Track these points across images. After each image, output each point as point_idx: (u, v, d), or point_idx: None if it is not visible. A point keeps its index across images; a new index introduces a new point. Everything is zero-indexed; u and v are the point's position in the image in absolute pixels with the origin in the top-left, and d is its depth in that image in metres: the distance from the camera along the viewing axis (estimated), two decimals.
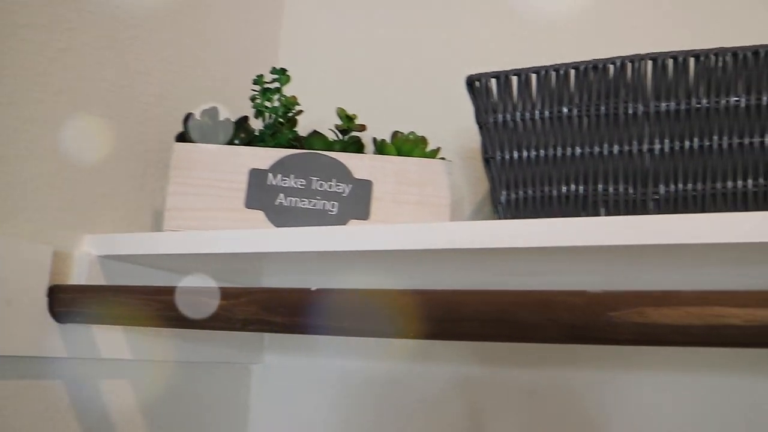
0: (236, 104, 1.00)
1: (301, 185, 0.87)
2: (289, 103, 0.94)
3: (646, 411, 0.94)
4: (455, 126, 1.04)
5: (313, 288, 0.73)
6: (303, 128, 0.95)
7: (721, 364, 0.92)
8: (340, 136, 0.96)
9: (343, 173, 0.87)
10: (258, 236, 0.80)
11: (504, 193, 0.81)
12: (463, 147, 1.06)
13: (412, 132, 0.92)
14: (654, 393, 0.94)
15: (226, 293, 0.75)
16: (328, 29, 1.22)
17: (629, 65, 0.77)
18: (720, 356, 0.92)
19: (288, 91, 0.95)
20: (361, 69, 1.18)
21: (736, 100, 0.74)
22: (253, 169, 0.87)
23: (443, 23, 1.15)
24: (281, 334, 0.94)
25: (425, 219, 0.86)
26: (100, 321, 0.84)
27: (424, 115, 1.09)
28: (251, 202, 0.87)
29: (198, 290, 0.76)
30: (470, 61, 0.97)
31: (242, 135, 0.90)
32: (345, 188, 0.87)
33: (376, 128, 0.96)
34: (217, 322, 0.76)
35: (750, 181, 0.73)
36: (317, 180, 0.87)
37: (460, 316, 0.66)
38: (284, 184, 0.87)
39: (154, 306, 0.79)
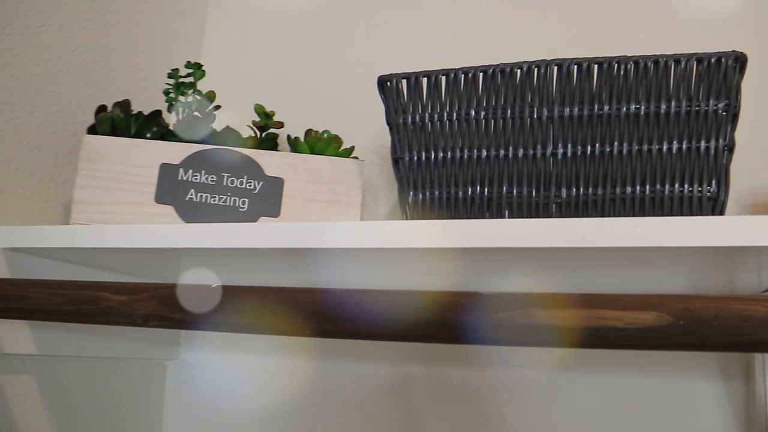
0: (156, 97, 0.98)
1: (212, 181, 0.87)
2: (207, 98, 0.93)
3: (575, 409, 0.95)
4: (375, 127, 1.04)
5: (214, 285, 0.73)
6: (226, 124, 0.95)
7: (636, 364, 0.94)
8: (258, 132, 0.96)
9: (254, 170, 0.87)
10: (165, 232, 0.79)
11: (411, 193, 0.81)
12: (383, 147, 1.06)
13: (327, 131, 0.92)
14: (587, 392, 0.95)
15: (126, 289, 0.75)
16: (253, 28, 1.22)
17: (535, 70, 0.78)
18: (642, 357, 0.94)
19: (209, 86, 0.94)
20: (285, 68, 1.18)
21: (637, 108, 0.75)
22: (164, 164, 0.87)
23: (365, 25, 1.15)
24: (193, 330, 0.93)
25: (336, 217, 0.86)
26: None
27: (346, 115, 1.09)
28: (161, 197, 0.86)
29: (99, 285, 0.75)
30: (389, 62, 0.98)
31: (154, 129, 0.89)
32: (256, 185, 0.87)
33: (300, 127, 0.96)
34: (119, 317, 0.75)
35: (648, 187, 0.75)
36: (228, 176, 0.87)
37: (352, 315, 0.66)
38: (195, 179, 0.86)
39: (54, 300, 0.78)
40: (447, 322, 0.64)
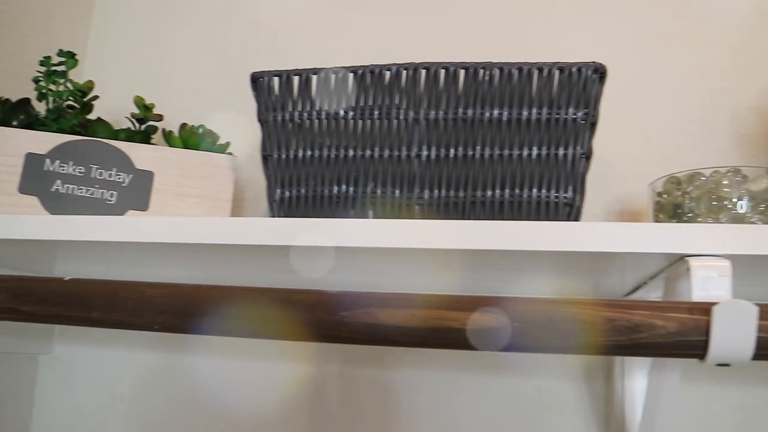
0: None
1: (79, 173, 0.85)
2: (84, 88, 0.92)
3: (489, 411, 0.96)
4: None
5: (66, 277, 0.71)
6: (106, 116, 0.93)
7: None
8: (138, 125, 0.94)
9: (124, 162, 0.86)
10: (27, 223, 0.78)
11: (278, 191, 0.81)
12: None
13: (202, 125, 0.91)
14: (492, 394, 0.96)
15: None
16: (141, 21, 1.20)
17: (404, 72, 0.79)
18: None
19: (92, 76, 0.93)
20: (171, 62, 1.17)
21: (499, 113, 0.77)
22: (30, 154, 0.85)
23: (249, 20, 1.15)
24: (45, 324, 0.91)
25: (206, 213, 0.86)
26: None
27: (231, 111, 1.08)
28: (25, 188, 0.84)
29: None
30: (270, 59, 0.98)
31: (21, 117, 0.87)
32: (125, 178, 0.85)
33: (185, 121, 0.94)
34: None
35: (507, 191, 0.76)
36: (97, 168, 0.85)
37: (200, 311, 0.66)
38: (62, 170, 0.85)
39: None
40: (292, 319, 0.64)
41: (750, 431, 0.91)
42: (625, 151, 0.99)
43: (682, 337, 0.59)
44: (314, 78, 0.81)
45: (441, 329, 0.61)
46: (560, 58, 0.77)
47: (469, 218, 0.76)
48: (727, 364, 0.61)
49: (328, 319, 0.63)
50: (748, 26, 1.02)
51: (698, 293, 0.62)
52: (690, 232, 0.64)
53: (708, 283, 0.62)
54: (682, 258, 0.65)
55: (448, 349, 0.62)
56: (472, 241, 0.68)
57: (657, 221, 0.82)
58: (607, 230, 0.66)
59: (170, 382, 1.04)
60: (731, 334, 0.58)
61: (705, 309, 0.58)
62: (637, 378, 0.86)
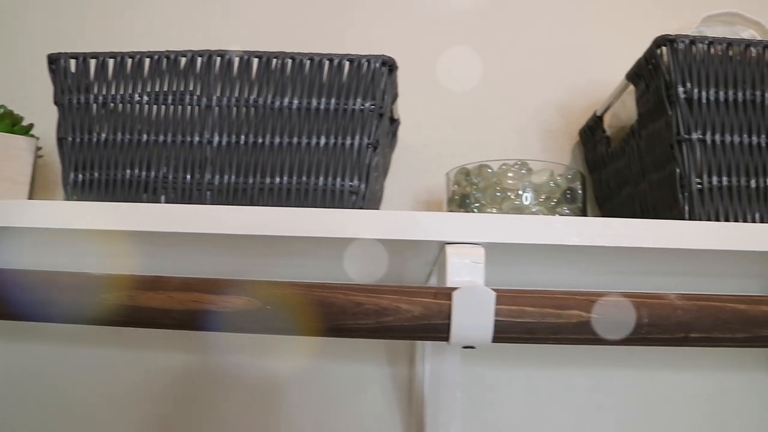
0: None
1: None
2: None
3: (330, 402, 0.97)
4: None
5: None
6: None
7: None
8: None
9: None
10: None
11: (72, 174, 0.81)
12: None
13: (3, 105, 0.89)
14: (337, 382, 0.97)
15: None
16: None
17: (198, 59, 0.79)
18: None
19: None
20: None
21: (290, 102, 0.78)
22: None
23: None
24: None
25: (2, 195, 0.84)
26: None
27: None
28: None
29: None
30: (77, 42, 0.96)
31: None
32: None
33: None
34: None
35: (295, 179, 0.78)
36: None
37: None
38: None
39: None
40: (54, 301, 0.64)
41: (535, 411, 0.95)
42: (437, 142, 1.02)
43: (427, 321, 0.62)
44: (111, 62, 0.81)
45: (198, 312, 0.62)
46: (373, 50, 0.79)
47: (258, 204, 0.77)
48: (472, 347, 0.64)
49: (89, 301, 0.63)
50: (551, 25, 1.07)
51: (452, 278, 0.65)
52: (448, 221, 0.67)
53: (462, 269, 0.65)
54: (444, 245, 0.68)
55: (206, 331, 0.63)
56: (259, 227, 0.69)
57: (450, 210, 0.86)
58: (376, 218, 0.68)
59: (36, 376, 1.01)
60: (471, 317, 0.61)
61: (447, 294, 0.61)
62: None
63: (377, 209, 0.94)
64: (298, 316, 0.62)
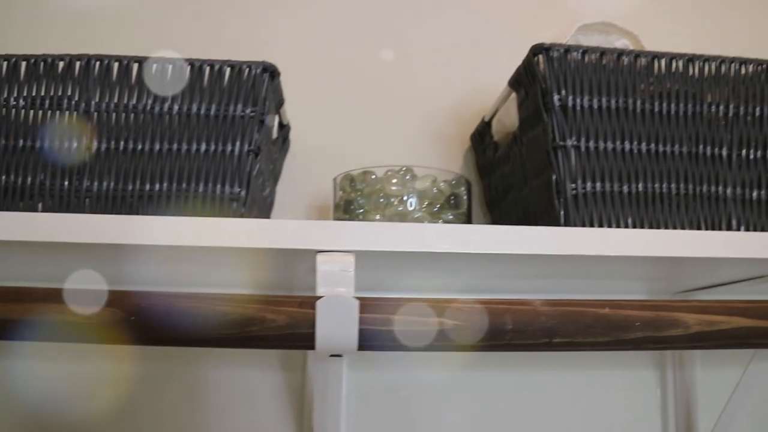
0: None
1: None
2: None
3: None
4: None
5: None
6: None
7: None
8: None
9: None
10: None
11: None
12: None
13: None
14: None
15: None
16: None
17: (77, 63, 0.78)
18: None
19: None
20: None
21: (170, 107, 0.78)
22: None
23: None
24: None
25: None
26: None
27: None
28: None
29: None
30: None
31: None
32: None
33: None
34: None
35: (175, 185, 0.77)
36: None
37: None
38: None
39: None
40: None
41: (428, 415, 0.97)
42: (330, 147, 1.03)
43: (291, 330, 0.62)
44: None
45: (60, 324, 0.62)
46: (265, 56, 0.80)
47: (137, 211, 0.76)
48: (339, 355, 0.65)
49: None
50: (442, 30, 1.08)
51: (321, 287, 0.65)
52: (317, 229, 0.67)
53: (331, 277, 0.65)
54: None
55: (70, 342, 0.62)
56: (137, 236, 0.69)
57: (336, 216, 0.86)
58: (246, 227, 0.68)
59: None
60: (335, 326, 0.62)
61: (311, 303, 0.62)
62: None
63: (267, 216, 0.94)
64: (164, 326, 0.62)
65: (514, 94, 0.87)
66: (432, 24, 1.10)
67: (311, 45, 1.07)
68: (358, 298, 0.62)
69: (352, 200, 0.84)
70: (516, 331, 0.64)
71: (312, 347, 0.62)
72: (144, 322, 0.61)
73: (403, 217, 0.82)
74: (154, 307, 0.62)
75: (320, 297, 0.62)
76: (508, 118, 0.90)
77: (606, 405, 1.00)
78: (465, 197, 0.86)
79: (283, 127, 0.95)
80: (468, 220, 0.86)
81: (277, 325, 0.62)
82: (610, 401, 1.01)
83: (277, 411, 0.96)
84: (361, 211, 0.84)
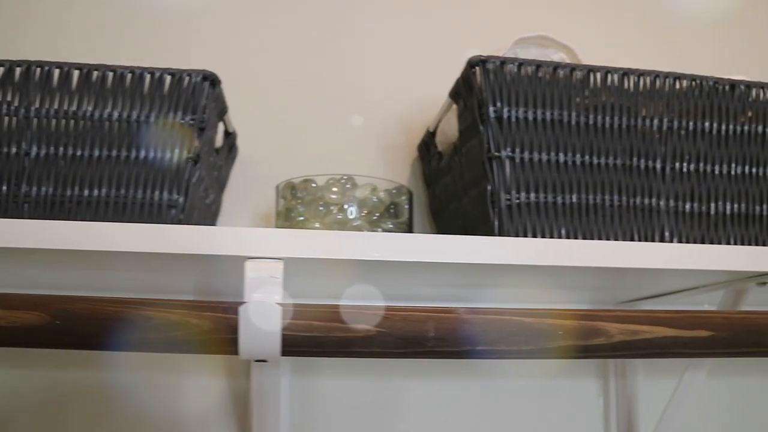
0: None
1: None
2: None
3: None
4: None
5: None
6: None
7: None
8: None
9: None
10: None
11: None
12: None
13: None
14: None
15: None
16: None
17: (17, 69, 0.79)
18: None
19: None
20: None
21: (109, 114, 0.78)
22: None
23: None
24: None
25: None
26: None
27: None
28: None
29: None
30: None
31: None
32: None
33: None
34: None
35: (113, 191, 0.77)
36: None
37: None
38: None
39: None
40: None
41: (369, 422, 0.97)
42: (277, 155, 1.03)
43: (215, 335, 0.63)
44: None
45: None
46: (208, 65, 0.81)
47: (75, 217, 0.77)
48: (264, 360, 0.65)
49: None
50: (390, 40, 1.09)
51: (249, 293, 0.66)
52: (246, 236, 0.68)
53: (259, 283, 0.66)
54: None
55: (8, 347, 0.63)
56: (73, 242, 0.69)
57: (278, 224, 0.87)
58: (178, 233, 0.69)
59: None
60: (258, 332, 0.63)
61: (234, 308, 0.63)
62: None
63: (213, 223, 0.95)
64: (89, 330, 0.62)
65: (455, 106, 0.88)
66: (378, 35, 1.11)
67: (259, 54, 1.08)
68: (280, 304, 0.63)
69: (293, 208, 0.85)
70: (439, 338, 0.65)
71: (236, 352, 0.63)
72: (69, 326, 0.62)
73: (342, 225, 0.83)
74: (79, 311, 0.62)
75: (242, 303, 0.63)
76: (450, 129, 0.91)
77: (549, 413, 1.02)
78: (406, 206, 0.87)
79: (229, 135, 0.96)
80: (409, 229, 0.87)
81: (201, 330, 0.62)
82: (554, 410, 1.02)
83: (223, 417, 0.96)
84: (302, 219, 0.85)
